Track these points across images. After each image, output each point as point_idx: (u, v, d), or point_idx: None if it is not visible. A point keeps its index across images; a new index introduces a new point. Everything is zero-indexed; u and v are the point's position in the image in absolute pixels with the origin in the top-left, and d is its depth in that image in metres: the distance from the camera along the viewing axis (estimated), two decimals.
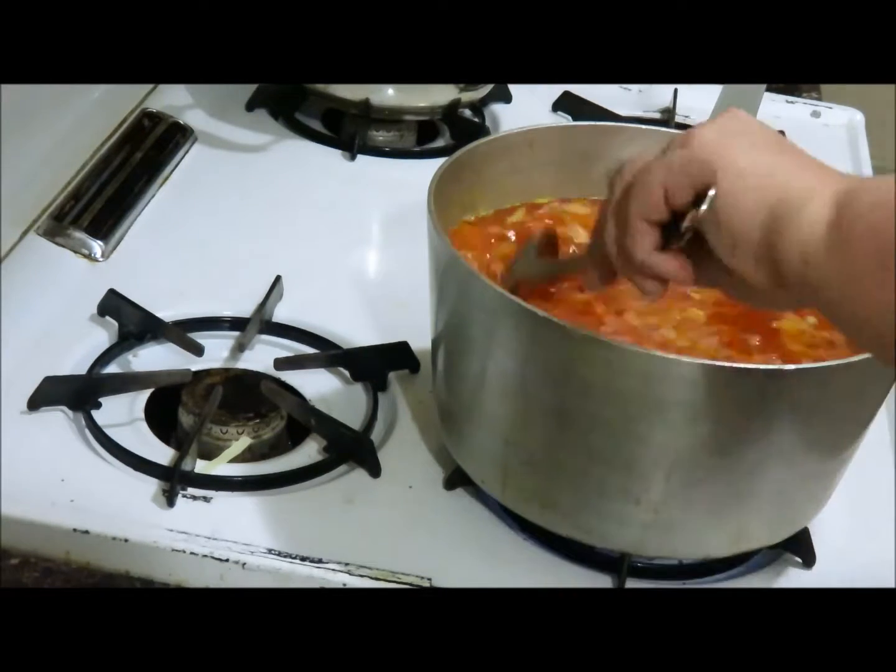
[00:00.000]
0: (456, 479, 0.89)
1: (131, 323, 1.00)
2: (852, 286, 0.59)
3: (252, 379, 0.96)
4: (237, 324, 1.03)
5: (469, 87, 1.33)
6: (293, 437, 0.95)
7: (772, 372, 0.74)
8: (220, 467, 0.90)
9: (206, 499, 0.86)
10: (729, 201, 0.64)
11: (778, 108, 1.50)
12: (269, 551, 0.82)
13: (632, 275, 0.70)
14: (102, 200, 1.14)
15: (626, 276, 0.71)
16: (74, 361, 0.97)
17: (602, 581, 0.84)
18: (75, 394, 0.92)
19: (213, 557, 0.82)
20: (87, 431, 0.90)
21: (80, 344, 0.99)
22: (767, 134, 0.68)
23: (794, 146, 0.67)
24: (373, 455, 0.90)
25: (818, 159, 0.65)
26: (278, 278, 1.06)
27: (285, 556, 0.82)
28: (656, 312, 0.82)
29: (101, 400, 0.93)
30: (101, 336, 1.00)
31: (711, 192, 0.64)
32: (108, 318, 1.01)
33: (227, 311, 1.04)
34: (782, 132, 1.41)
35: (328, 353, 1.01)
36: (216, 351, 1.01)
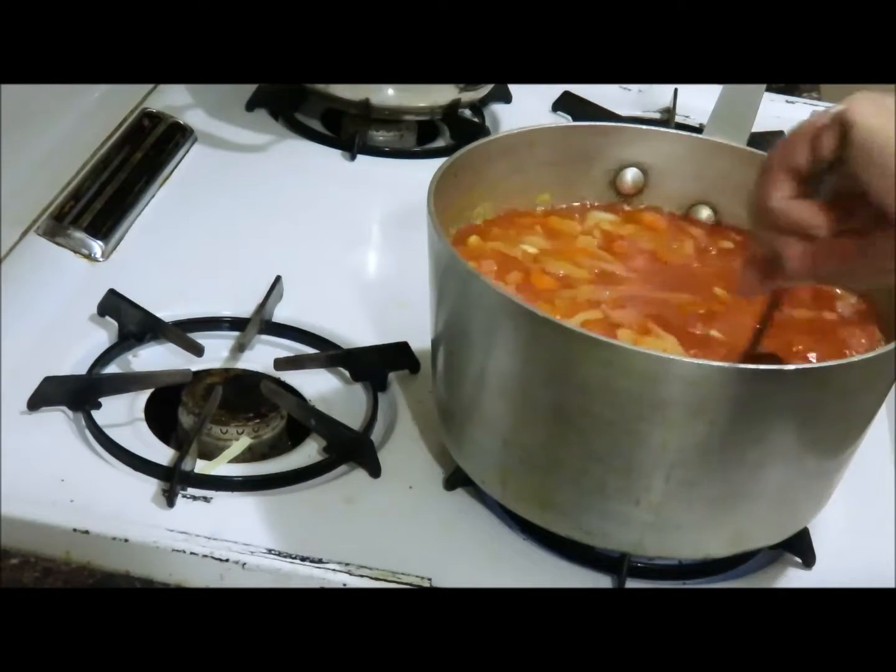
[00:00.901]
0: (456, 479, 0.89)
1: (131, 323, 1.00)
2: None
3: (252, 379, 0.96)
4: (237, 324, 1.03)
5: (469, 87, 1.33)
6: (293, 437, 0.95)
7: (772, 372, 0.74)
8: (220, 467, 0.90)
9: (206, 499, 0.86)
10: (876, 131, 0.63)
11: (778, 108, 1.50)
12: (269, 551, 0.82)
13: (766, 232, 0.69)
14: (102, 200, 1.14)
15: (763, 239, 0.69)
16: (74, 361, 0.97)
17: (602, 581, 0.85)
18: (75, 394, 0.92)
19: (213, 557, 0.82)
20: (87, 431, 0.90)
21: (80, 344, 0.99)
22: None
23: None
24: (373, 455, 0.90)
25: None
26: (278, 278, 1.06)
27: (285, 556, 0.82)
28: None
29: (101, 400, 0.93)
30: (101, 336, 1.00)
31: (851, 118, 0.63)
32: (108, 318, 1.01)
33: (227, 311, 1.04)
34: (782, 132, 1.41)
35: (328, 353, 1.01)
36: (216, 351, 1.01)
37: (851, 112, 0.65)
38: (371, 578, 0.81)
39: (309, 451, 0.92)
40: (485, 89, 1.38)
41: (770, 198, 0.67)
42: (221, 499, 0.86)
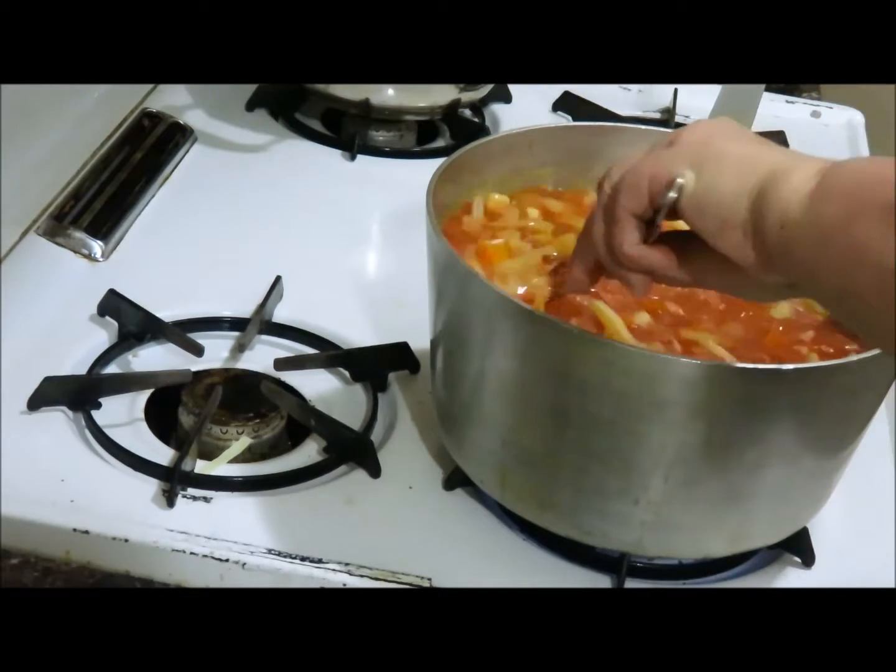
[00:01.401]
0: (455, 479, 0.89)
1: (131, 323, 1.00)
2: (821, 247, 0.61)
3: (252, 379, 0.96)
4: (237, 324, 1.03)
5: (469, 87, 1.33)
6: (293, 437, 0.95)
7: (772, 372, 0.74)
8: (220, 467, 0.90)
9: (206, 499, 0.86)
10: (710, 185, 0.66)
11: (778, 108, 1.50)
12: (269, 551, 0.82)
13: (619, 270, 0.73)
14: (102, 200, 1.14)
15: (614, 272, 0.74)
16: (74, 361, 0.97)
17: (601, 581, 0.85)
18: (75, 394, 0.92)
19: (213, 557, 0.82)
20: (87, 431, 0.90)
21: (80, 344, 0.99)
22: (753, 135, 0.71)
23: (779, 146, 0.69)
24: (373, 455, 0.90)
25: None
26: (278, 278, 1.06)
27: (285, 556, 0.82)
28: None
29: (101, 400, 0.93)
30: (101, 336, 1.00)
31: (679, 181, 0.67)
32: (108, 318, 1.01)
33: (227, 311, 1.04)
34: (782, 132, 1.41)
35: (328, 354, 1.01)
36: (216, 351, 1.01)
37: (679, 177, 0.67)
38: (371, 578, 0.81)
39: (309, 451, 0.92)
40: (485, 89, 1.38)
41: (623, 246, 0.71)
42: (221, 499, 0.86)
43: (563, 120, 1.41)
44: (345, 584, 0.81)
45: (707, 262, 0.69)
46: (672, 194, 0.67)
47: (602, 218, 0.72)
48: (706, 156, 0.67)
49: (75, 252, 1.09)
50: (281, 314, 1.05)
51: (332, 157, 1.31)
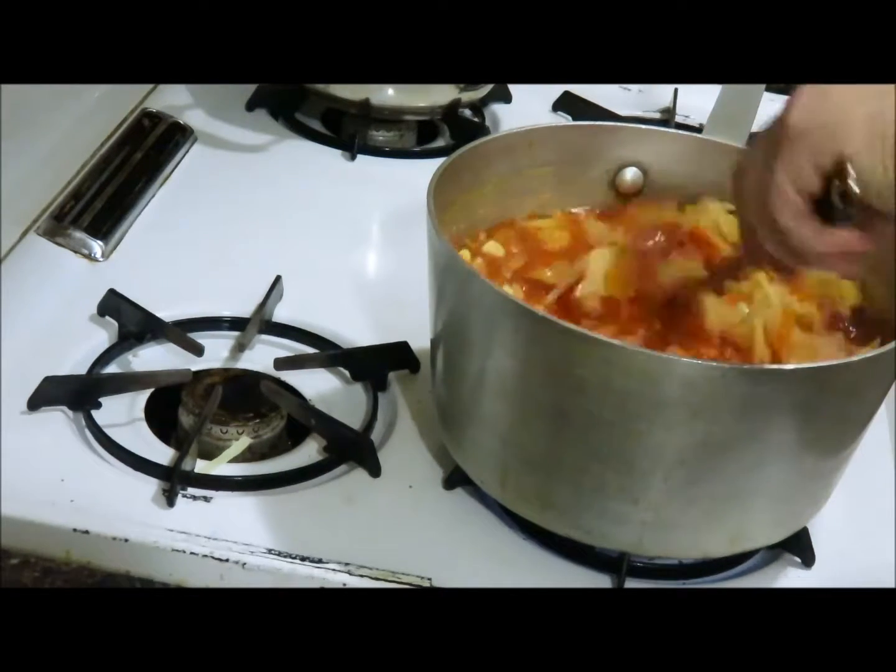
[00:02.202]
0: (456, 478, 0.89)
1: (131, 323, 1.00)
2: None
3: (252, 379, 0.96)
4: (237, 324, 1.03)
5: (469, 87, 1.33)
6: (293, 437, 0.95)
7: (771, 372, 0.74)
8: (220, 467, 0.90)
9: (206, 499, 0.86)
10: (868, 164, 0.62)
11: (778, 108, 1.50)
12: (269, 551, 0.82)
13: (796, 262, 0.69)
14: (102, 200, 1.14)
15: (783, 258, 0.69)
16: (74, 361, 0.97)
17: (601, 581, 0.85)
18: (75, 394, 0.92)
19: (213, 557, 0.82)
20: (87, 431, 0.90)
21: (80, 344, 0.99)
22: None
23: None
24: (373, 455, 0.90)
25: None
26: (278, 278, 1.06)
27: (285, 556, 0.82)
28: None
29: (101, 400, 0.93)
30: (101, 336, 1.00)
31: (849, 167, 0.62)
32: (108, 318, 1.01)
33: (227, 311, 1.04)
34: None
35: (328, 353, 1.01)
36: (216, 351, 1.01)
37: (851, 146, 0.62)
38: (371, 578, 0.81)
39: (309, 451, 0.92)
40: (485, 89, 1.38)
41: (781, 215, 0.67)
42: (221, 499, 0.86)
43: (563, 120, 1.41)
44: (345, 584, 0.81)
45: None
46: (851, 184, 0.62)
47: (758, 176, 0.67)
48: (855, 132, 0.62)
49: (75, 252, 1.09)
50: (281, 314, 1.05)
51: (332, 157, 1.31)
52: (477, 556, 0.85)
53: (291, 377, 0.98)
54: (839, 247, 0.66)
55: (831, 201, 0.65)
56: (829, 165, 0.64)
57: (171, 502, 0.85)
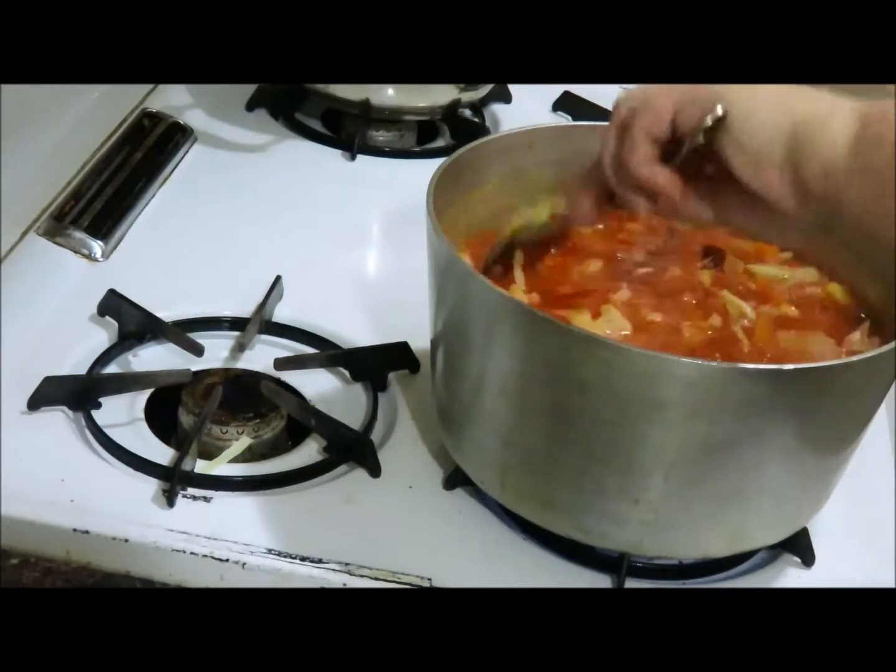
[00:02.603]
0: (455, 479, 0.89)
1: (131, 323, 1.00)
2: (876, 197, 0.61)
3: (252, 379, 0.96)
4: (237, 324, 1.03)
5: (469, 87, 1.33)
6: (293, 437, 0.95)
7: (771, 372, 0.74)
8: (220, 467, 0.90)
9: (206, 499, 0.86)
10: (746, 120, 0.67)
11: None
12: (269, 551, 0.82)
13: (624, 188, 0.74)
14: (102, 200, 1.14)
15: (619, 189, 0.75)
16: (74, 361, 0.97)
17: (601, 581, 0.85)
18: (75, 394, 0.92)
19: (213, 557, 0.82)
20: (87, 431, 0.90)
21: (80, 344, 0.99)
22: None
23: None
24: (373, 455, 0.90)
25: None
26: (278, 278, 1.06)
27: (285, 556, 0.82)
28: None
29: (101, 400, 0.93)
30: (101, 336, 1.00)
31: (719, 107, 0.67)
32: (108, 318, 1.01)
33: (227, 311, 1.04)
34: None
35: (328, 353, 1.01)
36: (216, 351, 1.01)
37: (727, 97, 0.68)
38: (371, 578, 0.81)
39: (309, 451, 0.92)
40: (485, 89, 1.38)
41: (632, 161, 0.73)
42: (221, 499, 0.86)
43: (563, 120, 1.42)
44: (345, 584, 0.81)
45: (732, 198, 0.70)
46: (709, 120, 0.67)
47: (615, 138, 0.74)
48: (739, 90, 0.67)
49: (75, 252, 1.09)
50: (281, 314, 1.05)
51: (332, 157, 1.31)
52: (477, 556, 0.85)
53: (291, 377, 0.98)
54: (652, 177, 0.73)
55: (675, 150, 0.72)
56: (705, 112, 0.69)
57: (171, 502, 0.85)
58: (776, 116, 0.66)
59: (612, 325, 0.81)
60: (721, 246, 0.90)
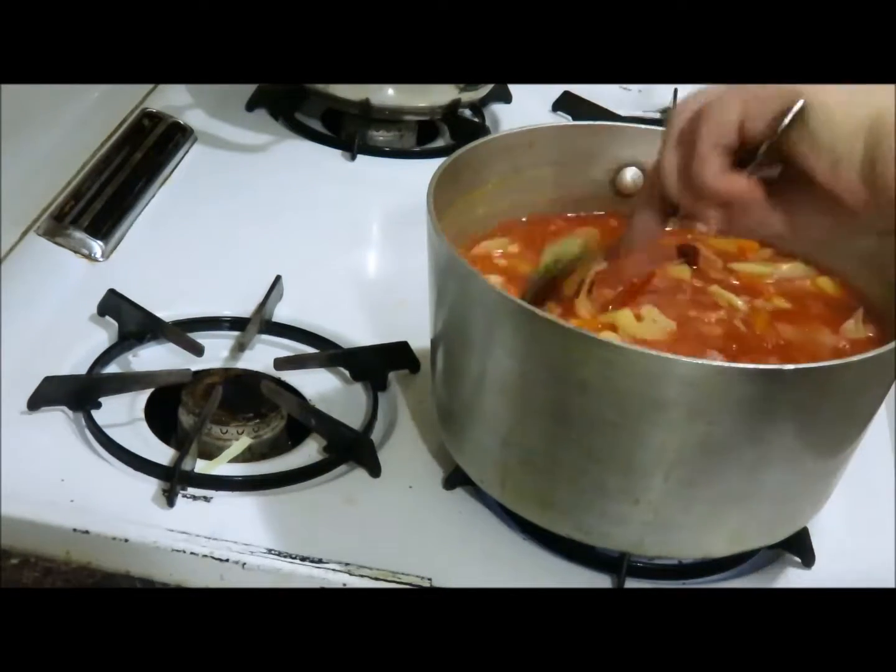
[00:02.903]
0: (455, 479, 0.89)
1: (131, 323, 1.00)
2: None
3: (252, 379, 0.96)
4: (237, 324, 1.03)
5: (469, 87, 1.33)
6: (293, 437, 0.95)
7: (771, 372, 0.74)
8: (220, 467, 0.90)
9: (206, 499, 0.86)
10: (824, 116, 0.64)
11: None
12: (269, 551, 0.82)
13: (693, 202, 0.70)
14: (102, 200, 1.14)
15: (688, 206, 0.71)
16: (74, 361, 0.97)
17: (601, 581, 0.85)
18: (75, 394, 0.92)
19: (213, 557, 0.82)
20: (87, 431, 0.91)
21: (80, 344, 0.99)
22: None
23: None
24: (373, 455, 0.90)
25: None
26: (278, 278, 1.06)
27: (285, 556, 0.82)
28: None
29: (101, 400, 0.93)
30: (101, 336, 1.00)
31: (799, 104, 0.64)
32: (108, 318, 1.01)
33: (227, 311, 1.04)
34: None
35: (328, 353, 1.01)
36: (216, 351, 1.01)
37: (804, 92, 0.65)
38: (371, 578, 0.81)
39: (309, 451, 0.92)
40: (485, 89, 1.38)
41: (703, 175, 0.69)
42: (221, 499, 0.86)
43: (563, 120, 1.42)
44: (345, 584, 0.81)
45: (803, 208, 0.67)
46: (789, 118, 0.64)
47: (676, 149, 0.70)
48: (807, 89, 0.64)
49: (75, 252, 1.09)
50: (281, 314, 1.05)
51: (332, 157, 1.31)
52: (477, 556, 0.85)
53: (291, 377, 0.98)
54: (730, 187, 0.69)
55: (746, 157, 0.68)
56: (777, 115, 0.66)
57: (171, 502, 0.85)
58: (857, 110, 0.63)
59: (657, 325, 0.81)
60: (695, 244, 0.90)
